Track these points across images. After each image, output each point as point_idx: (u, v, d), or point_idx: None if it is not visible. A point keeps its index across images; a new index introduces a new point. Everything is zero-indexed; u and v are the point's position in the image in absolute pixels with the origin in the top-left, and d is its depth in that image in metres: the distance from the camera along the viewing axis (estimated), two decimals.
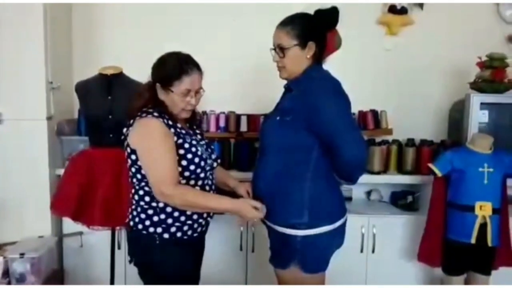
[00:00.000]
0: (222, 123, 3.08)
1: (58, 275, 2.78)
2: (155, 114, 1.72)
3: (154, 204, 1.75)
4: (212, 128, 3.07)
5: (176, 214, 1.75)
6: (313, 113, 1.71)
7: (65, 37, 3.13)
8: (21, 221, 2.74)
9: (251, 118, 3.09)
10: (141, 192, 1.78)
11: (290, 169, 1.79)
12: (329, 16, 1.85)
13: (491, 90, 2.90)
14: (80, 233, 2.79)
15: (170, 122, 1.75)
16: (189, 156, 1.74)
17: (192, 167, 1.75)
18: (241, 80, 3.18)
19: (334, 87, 1.77)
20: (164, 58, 1.81)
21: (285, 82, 1.91)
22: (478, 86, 2.95)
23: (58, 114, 2.87)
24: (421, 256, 2.70)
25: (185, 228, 1.78)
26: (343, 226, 1.89)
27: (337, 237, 1.88)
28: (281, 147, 1.80)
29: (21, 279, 2.47)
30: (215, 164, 1.91)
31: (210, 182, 1.86)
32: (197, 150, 1.78)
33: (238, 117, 3.10)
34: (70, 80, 3.03)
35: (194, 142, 1.80)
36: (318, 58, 1.85)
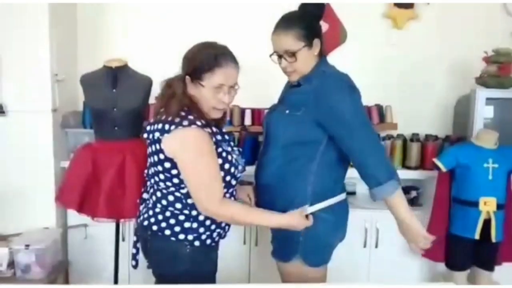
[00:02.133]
0: (226, 117, 3.08)
1: (62, 267, 2.79)
2: (198, 123, 1.57)
3: (186, 211, 1.67)
4: None
5: (208, 222, 1.69)
6: (329, 113, 1.70)
7: (70, 30, 3.13)
8: (26, 213, 2.75)
9: (255, 111, 3.09)
10: (170, 198, 1.67)
11: (295, 162, 1.78)
12: (315, 6, 1.82)
13: (497, 85, 2.88)
14: (85, 225, 2.80)
15: (210, 130, 1.62)
16: (227, 166, 1.66)
17: (228, 178, 1.68)
18: (245, 73, 3.16)
19: (348, 84, 1.77)
20: (196, 48, 1.66)
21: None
22: (484, 81, 2.93)
23: (63, 107, 2.88)
24: (425, 251, 2.69)
25: (214, 234, 1.73)
26: (345, 219, 1.90)
27: (340, 230, 1.89)
28: (289, 140, 1.79)
29: (26, 270, 2.49)
30: (243, 169, 1.81)
31: (236, 188, 1.80)
32: (232, 158, 1.69)
33: (242, 110, 3.10)
34: (75, 72, 3.03)
35: (229, 149, 1.71)
36: (322, 52, 1.84)
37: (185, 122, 1.56)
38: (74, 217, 2.71)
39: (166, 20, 3.20)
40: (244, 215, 1.67)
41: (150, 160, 1.69)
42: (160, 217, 1.69)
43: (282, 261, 1.88)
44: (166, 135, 1.57)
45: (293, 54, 1.75)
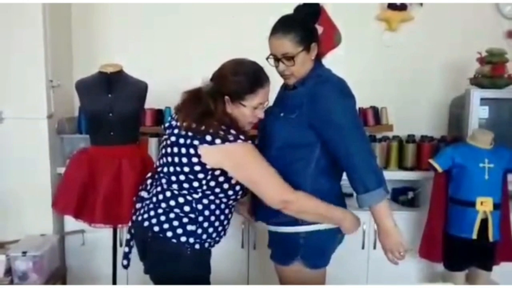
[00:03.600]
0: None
1: (60, 273, 2.78)
2: (242, 137, 1.67)
3: (192, 215, 1.71)
4: None
5: (211, 230, 1.75)
6: (322, 117, 1.71)
7: (65, 35, 3.13)
8: (23, 220, 2.74)
9: None
10: (181, 200, 1.72)
11: (291, 165, 1.78)
12: (311, 8, 1.82)
13: (491, 85, 2.90)
14: (82, 231, 2.79)
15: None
16: None
17: (237, 187, 1.77)
18: None
19: (343, 89, 1.77)
20: (234, 69, 1.72)
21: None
22: (478, 81, 2.95)
23: (59, 113, 2.87)
24: (422, 252, 2.71)
25: (213, 237, 1.78)
26: None
27: (339, 232, 1.89)
28: (284, 143, 1.79)
29: (23, 277, 2.47)
30: None
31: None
32: None
33: None
34: (70, 78, 3.03)
35: None
36: (318, 55, 1.84)
37: (231, 138, 1.65)
38: (71, 223, 2.70)
39: (162, 25, 3.20)
40: (313, 204, 1.74)
41: (168, 159, 1.72)
42: (162, 218, 1.72)
43: (282, 264, 1.88)
44: (206, 145, 1.64)
45: (291, 58, 1.75)
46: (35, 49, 2.69)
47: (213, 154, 1.65)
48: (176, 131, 1.71)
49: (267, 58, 1.82)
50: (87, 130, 2.72)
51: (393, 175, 3.05)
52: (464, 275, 2.68)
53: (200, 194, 1.71)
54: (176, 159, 1.68)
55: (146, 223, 1.75)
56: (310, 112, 1.73)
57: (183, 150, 1.67)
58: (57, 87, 2.82)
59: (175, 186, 1.72)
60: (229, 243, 2.80)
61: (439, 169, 2.60)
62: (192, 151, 1.65)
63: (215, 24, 3.21)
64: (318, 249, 1.83)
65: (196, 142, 1.65)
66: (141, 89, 2.52)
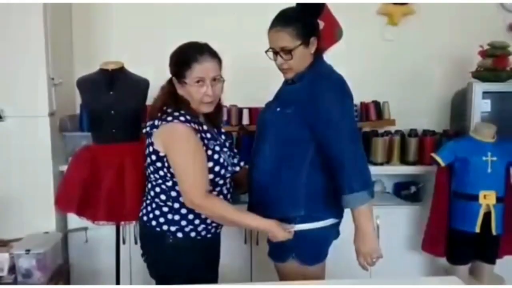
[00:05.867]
0: (224, 117, 3.08)
1: (64, 271, 2.79)
2: (181, 118, 1.65)
3: (169, 203, 1.74)
4: None
5: (190, 216, 1.74)
6: (316, 113, 1.70)
7: (66, 33, 3.12)
8: (26, 218, 2.74)
9: (253, 111, 3.09)
10: (157, 189, 1.76)
11: (287, 161, 1.77)
12: (314, 3, 1.81)
13: (493, 78, 2.89)
14: (85, 229, 2.80)
15: (196, 126, 1.68)
16: (210, 164, 1.70)
17: (210, 176, 1.71)
18: (242, 73, 3.17)
19: (341, 87, 1.76)
20: (177, 49, 1.75)
21: None
22: (480, 74, 2.94)
23: (60, 110, 2.87)
24: (425, 246, 2.71)
25: (199, 228, 1.77)
26: (340, 218, 1.89)
27: (334, 229, 1.89)
28: (279, 138, 1.78)
29: (27, 275, 2.48)
30: (237, 169, 1.85)
31: (227, 187, 1.83)
32: (219, 157, 1.73)
33: (240, 110, 3.10)
34: (71, 75, 3.02)
35: (217, 149, 1.74)
36: (319, 50, 1.83)
37: (169, 118, 1.66)
38: (74, 221, 2.70)
39: (162, 22, 3.19)
40: (227, 211, 1.70)
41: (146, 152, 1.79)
42: (149, 208, 1.81)
43: (278, 261, 1.88)
44: (155, 130, 1.70)
45: (289, 52, 1.74)
46: (36, 47, 2.68)
47: (157, 138, 1.70)
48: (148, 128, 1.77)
49: (266, 52, 1.82)
50: (89, 128, 2.72)
51: (396, 170, 3.05)
52: (467, 268, 2.68)
53: (170, 182, 1.73)
54: (147, 151, 1.76)
55: (140, 213, 1.85)
56: (305, 109, 1.72)
57: (147, 141, 1.75)
58: (58, 85, 2.82)
59: (152, 177, 1.78)
60: (232, 239, 2.81)
61: (442, 163, 2.60)
62: (149, 140, 1.73)
63: (215, 20, 3.19)
64: (312, 246, 1.83)
65: (148, 129, 1.73)
66: (142, 86, 2.51)
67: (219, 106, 1.82)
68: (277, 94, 1.95)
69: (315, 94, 1.71)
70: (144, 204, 1.84)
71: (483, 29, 3.15)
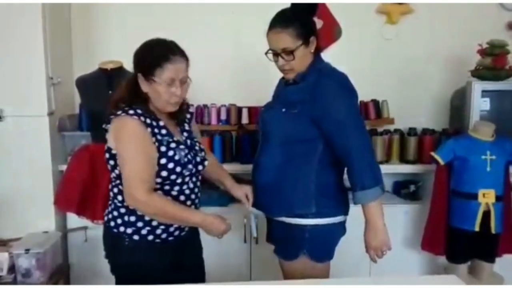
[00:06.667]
0: (223, 116, 3.08)
1: (63, 270, 2.79)
2: (130, 112, 1.58)
3: (126, 204, 1.64)
4: (214, 121, 3.08)
5: (147, 218, 1.65)
6: (323, 111, 1.71)
7: (65, 33, 3.12)
8: (25, 217, 2.74)
9: (252, 110, 3.09)
10: (115, 190, 1.69)
11: (295, 160, 1.79)
12: (308, 2, 1.81)
13: (492, 77, 2.89)
14: (85, 228, 2.79)
15: (148, 121, 1.61)
16: (163, 161, 1.61)
17: (164, 173, 1.61)
18: (241, 72, 3.17)
19: (345, 84, 1.77)
20: (145, 45, 1.68)
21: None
22: (479, 73, 2.94)
23: (60, 110, 2.86)
24: (425, 245, 2.71)
25: (158, 231, 1.68)
26: (346, 214, 1.91)
27: (342, 226, 1.90)
28: (287, 138, 1.79)
29: (26, 275, 2.48)
30: (200, 167, 1.76)
31: (190, 187, 1.72)
32: (174, 154, 1.63)
33: (239, 109, 3.10)
34: (70, 75, 3.02)
35: (173, 145, 1.65)
36: (317, 48, 1.84)
37: (119, 112, 1.59)
38: (74, 220, 2.70)
39: (162, 22, 3.19)
40: (169, 207, 1.60)
41: None
42: (109, 208, 1.74)
43: (287, 259, 1.87)
44: (109, 126, 1.64)
45: (290, 53, 1.74)
46: (35, 47, 2.68)
47: (110, 135, 1.64)
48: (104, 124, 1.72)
49: (266, 53, 1.82)
50: (88, 127, 2.72)
51: (395, 169, 3.05)
52: (467, 267, 2.68)
53: None
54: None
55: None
56: (312, 108, 1.73)
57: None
58: (57, 84, 2.81)
59: (111, 176, 1.71)
60: (232, 238, 2.81)
61: (441, 162, 2.60)
62: (107, 137, 1.66)
63: (214, 20, 3.19)
64: (323, 242, 1.84)
65: (104, 125, 1.66)
66: None
67: (181, 104, 1.73)
68: (277, 95, 1.95)
69: (319, 92, 1.72)
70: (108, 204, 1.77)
71: (482, 28, 3.15)
